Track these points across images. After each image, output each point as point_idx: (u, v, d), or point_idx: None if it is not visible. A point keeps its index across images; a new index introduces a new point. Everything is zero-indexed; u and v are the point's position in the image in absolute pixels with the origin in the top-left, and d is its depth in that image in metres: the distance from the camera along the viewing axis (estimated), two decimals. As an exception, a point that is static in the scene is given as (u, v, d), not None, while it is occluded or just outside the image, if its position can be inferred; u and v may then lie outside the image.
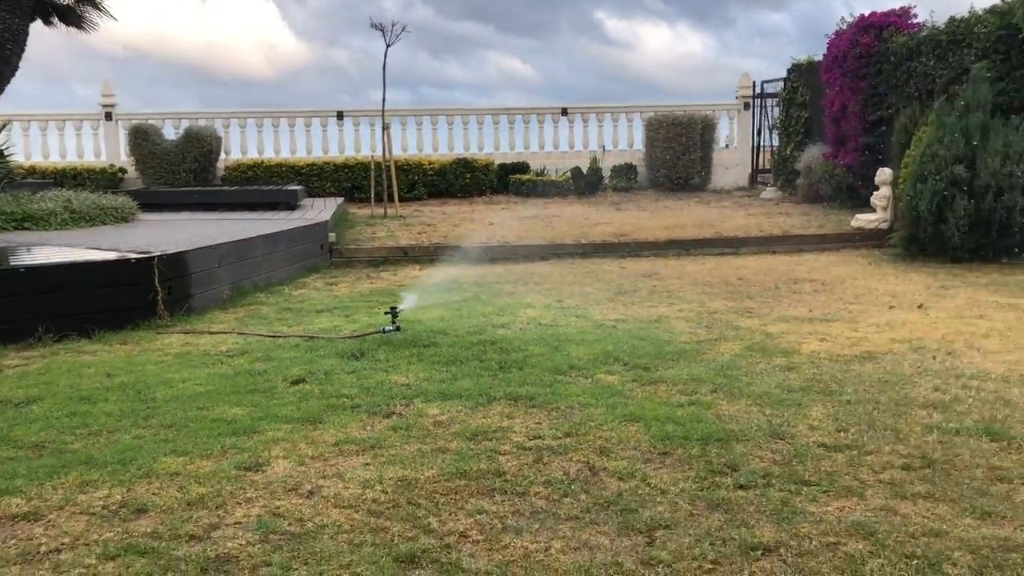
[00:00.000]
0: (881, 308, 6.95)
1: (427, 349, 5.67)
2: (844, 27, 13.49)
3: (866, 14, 13.04)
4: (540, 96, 47.35)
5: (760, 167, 18.24)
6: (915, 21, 12.70)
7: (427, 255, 10.29)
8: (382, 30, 12.57)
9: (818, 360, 5.27)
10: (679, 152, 17.30)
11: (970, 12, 10.94)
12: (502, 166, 17.29)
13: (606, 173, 17.60)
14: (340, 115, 17.65)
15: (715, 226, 11.96)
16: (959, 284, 7.99)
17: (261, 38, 42.52)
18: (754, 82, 18.31)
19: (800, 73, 15.88)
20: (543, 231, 11.56)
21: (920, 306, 6.93)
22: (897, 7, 12.95)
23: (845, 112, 13.22)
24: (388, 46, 12.66)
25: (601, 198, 16.27)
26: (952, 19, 11.19)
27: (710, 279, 8.68)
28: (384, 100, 13.03)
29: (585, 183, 16.83)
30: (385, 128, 13.18)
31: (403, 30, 12.53)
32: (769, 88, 17.79)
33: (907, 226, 9.65)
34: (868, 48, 12.80)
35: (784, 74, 16.65)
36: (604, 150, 18.34)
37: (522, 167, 17.57)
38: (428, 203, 15.44)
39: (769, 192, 16.29)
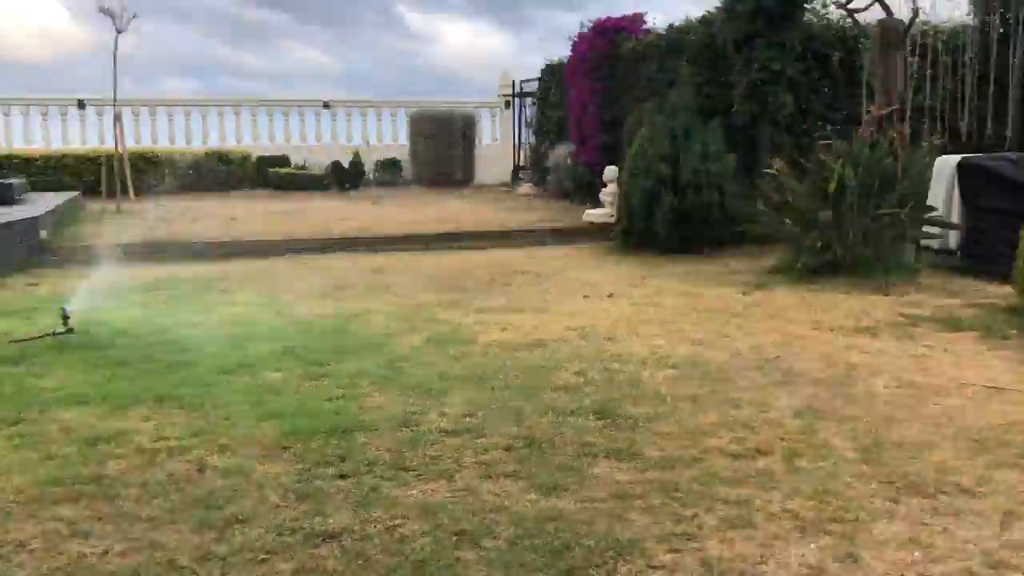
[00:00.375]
0: (577, 298, 7.35)
1: (99, 351, 5.42)
2: (586, 31, 14.17)
3: (602, 19, 13.76)
4: (341, 88, 46.58)
5: (522, 164, 18.83)
6: (646, 27, 13.55)
7: (151, 252, 9.83)
8: (112, 16, 11.89)
9: (491, 349, 5.50)
10: (442, 148, 17.58)
11: (685, 20, 11.82)
12: (261, 159, 16.88)
13: (370, 168, 17.58)
14: (82, 104, 16.55)
15: (463, 221, 12.23)
16: (658, 274, 8.59)
17: (35, 20, 38.94)
18: (514, 81, 18.88)
19: (552, 73, 16.50)
20: (288, 226, 11.37)
21: (610, 295, 7.40)
22: (631, 13, 13.77)
23: (585, 112, 13.89)
24: (119, 32, 12.00)
25: (363, 193, 16.24)
26: (671, 27, 12.04)
27: (437, 273, 8.85)
28: (115, 89, 12.34)
29: (347, 177, 16.74)
30: (116, 118, 12.50)
31: (133, 17, 11.91)
32: (528, 87, 18.40)
33: (625, 220, 10.28)
34: (604, 52, 13.51)
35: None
36: (369, 144, 18.30)
37: (283, 160, 17.23)
38: (179, 197, 14.77)
39: (525, 188, 16.85)
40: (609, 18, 13.71)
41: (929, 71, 10.99)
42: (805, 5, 10.19)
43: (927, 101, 11.03)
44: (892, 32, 7.95)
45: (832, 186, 7.50)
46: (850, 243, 7.55)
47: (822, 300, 6.90)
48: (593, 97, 13.70)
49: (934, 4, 11.25)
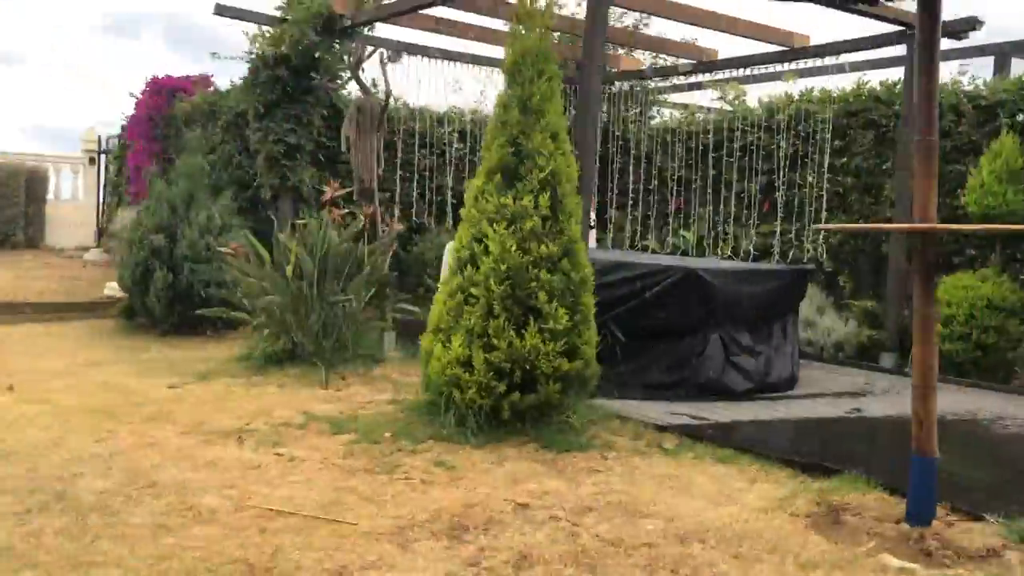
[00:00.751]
0: (-39, 392, 6.11)
1: None
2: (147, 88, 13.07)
3: (160, 77, 12.75)
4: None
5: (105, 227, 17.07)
6: (212, 89, 12.71)
7: None
8: None
9: None
10: (-1, 205, 15.41)
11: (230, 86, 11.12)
12: None
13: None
14: None
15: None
16: (120, 360, 7.54)
17: None
18: (99, 136, 17.19)
19: (132, 131, 15.15)
20: None
21: (11, 388, 6.24)
22: (196, 74, 12.87)
23: (141, 175, 12.70)
24: None
25: None
26: (213, 91, 11.31)
27: None
28: None
29: None
30: None
31: None
32: (113, 144, 16.82)
33: (127, 297, 9.19)
34: (159, 111, 12.48)
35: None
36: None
37: None
38: None
39: (92, 254, 15.13)
40: (169, 77, 12.73)
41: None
42: (333, 83, 9.77)
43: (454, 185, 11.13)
44: (368, 113, 7.72)
45: (289, 270, 6.96)
46: (308, 330, 7.01)
47: (246, 394, 6.24)
48: (149, 158, 12.58)
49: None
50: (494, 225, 5.37)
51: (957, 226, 3.86)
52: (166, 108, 12.42)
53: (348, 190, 7.64)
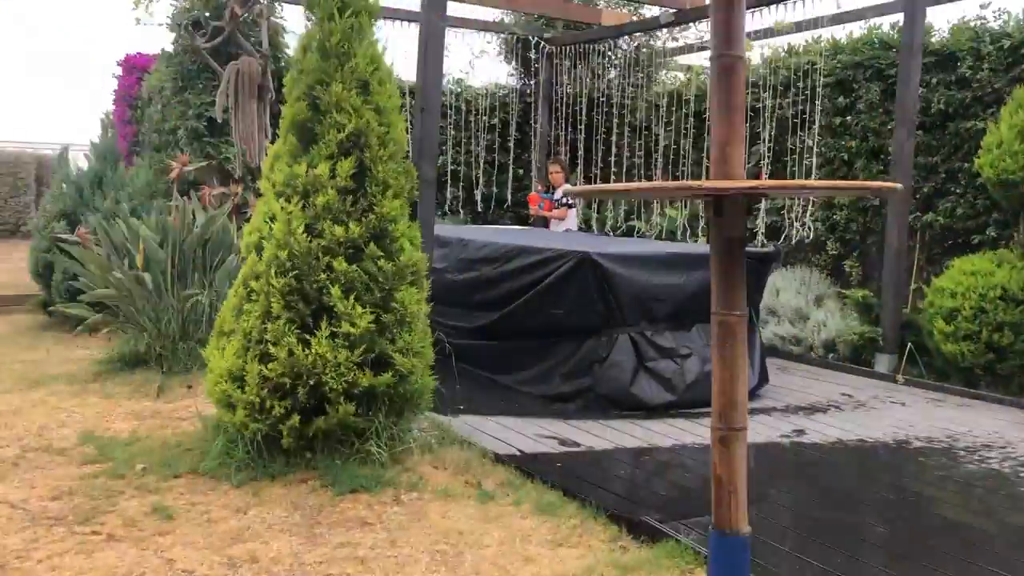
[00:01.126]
0: None
1: None
2: (129, 67, 12.44)
3: (132, 54, 12.07)
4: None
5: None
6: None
7: None
8: None
9: None
10: (7, 194, 15.21)
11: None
12: None
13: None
14: None
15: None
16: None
17: None
18: (114, 122, 16.83)
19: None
20: None
21: None
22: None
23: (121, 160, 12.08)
24: None
25: None
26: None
27: None
28: None
29: None
30: None
31: None
32: (128, 130, 16.41)
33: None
34: (131, 90, 11.81)
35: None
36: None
37: None
38: None
39: (93, 243, 14.75)
40: (140, 54, 12.02)
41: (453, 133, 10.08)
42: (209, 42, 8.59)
43: (451, 165, 10.14)
44: (247, 76, 6.68)
45: (139, 259, 6.01)
46: (162, 329, 6.05)
47: (57, 406, 5.30)
48: (125, 139, 11.92)
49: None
50: (282, 200, 4.25)
51: (755, 183, 2.53)
52: (137, 87, 11.73)
53: (202, 164, 6.64)
